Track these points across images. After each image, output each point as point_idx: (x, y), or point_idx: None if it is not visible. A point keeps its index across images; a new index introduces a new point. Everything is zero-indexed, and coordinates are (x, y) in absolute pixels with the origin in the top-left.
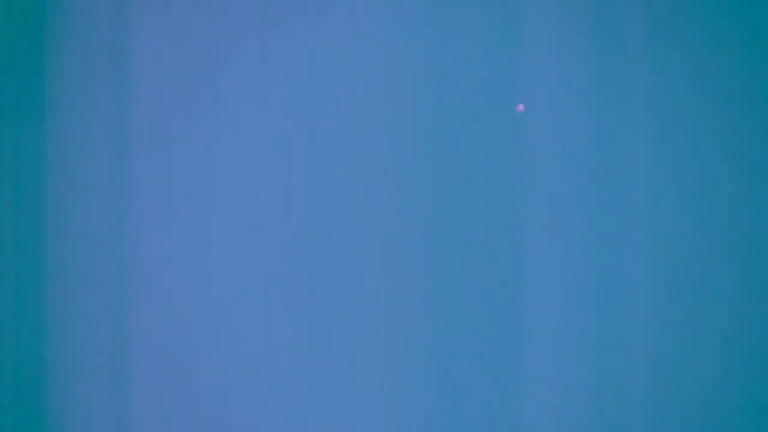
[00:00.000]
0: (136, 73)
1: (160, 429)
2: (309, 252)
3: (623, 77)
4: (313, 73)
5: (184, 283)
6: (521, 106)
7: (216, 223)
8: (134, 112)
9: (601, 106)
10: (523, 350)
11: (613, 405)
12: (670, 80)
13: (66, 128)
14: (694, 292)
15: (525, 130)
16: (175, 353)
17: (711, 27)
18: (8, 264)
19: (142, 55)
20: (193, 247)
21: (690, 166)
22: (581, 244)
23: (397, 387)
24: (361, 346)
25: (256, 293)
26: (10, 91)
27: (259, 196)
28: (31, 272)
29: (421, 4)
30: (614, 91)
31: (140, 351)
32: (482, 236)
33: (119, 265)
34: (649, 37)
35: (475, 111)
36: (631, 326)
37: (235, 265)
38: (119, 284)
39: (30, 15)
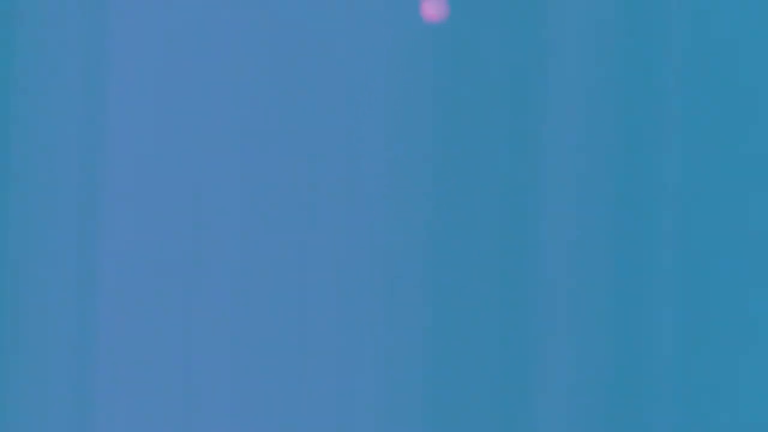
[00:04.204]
0: (113, 59)
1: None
2: (304, 250)
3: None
4: (303, 63)
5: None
6: None
7: (199, 215)
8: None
9: (628, 101)
10: (537, 353)
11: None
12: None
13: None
14: (724, 294)
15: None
16: (146, 358)
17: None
18: None
19: (119, 42)
20: (172, 245)
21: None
22: (602, 241)
23: (396, 386)
24: (360, 346)
25: (243, 290)
26: None
27: (244, 192)
28: None
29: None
30: (642, 83)
31: (108, 357)
32: (497, 233)
33: (88, 261)
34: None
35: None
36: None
37: (220, 263)
38: (88, 281)
39: None
